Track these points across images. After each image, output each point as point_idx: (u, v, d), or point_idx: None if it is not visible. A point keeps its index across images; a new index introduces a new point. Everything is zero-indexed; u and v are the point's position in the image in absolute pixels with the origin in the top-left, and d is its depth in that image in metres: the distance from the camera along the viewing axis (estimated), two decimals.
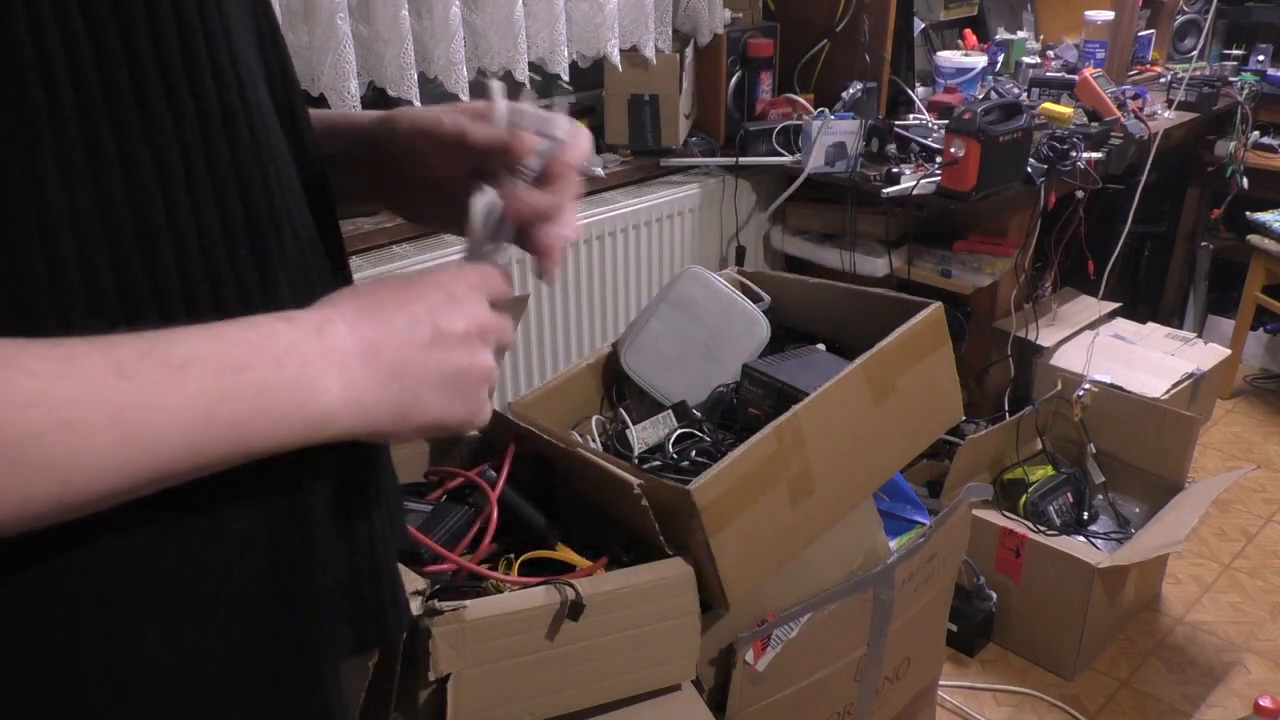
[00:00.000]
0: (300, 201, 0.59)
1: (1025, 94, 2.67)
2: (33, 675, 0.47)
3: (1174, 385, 2.42)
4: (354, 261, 1.95)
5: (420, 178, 0.68)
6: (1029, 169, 2.25)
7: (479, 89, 0.62)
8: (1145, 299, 3.44)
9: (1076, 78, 2.61)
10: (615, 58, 2.26)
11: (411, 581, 1.09)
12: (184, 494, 0.48)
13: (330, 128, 0.71)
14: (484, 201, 0.61)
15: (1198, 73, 2.95)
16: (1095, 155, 2.36)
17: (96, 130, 0.46)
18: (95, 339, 0.44)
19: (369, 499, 0.64)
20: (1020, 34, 3.07)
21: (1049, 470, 2.25)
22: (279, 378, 0.48)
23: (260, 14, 0.60)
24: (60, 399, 0.41)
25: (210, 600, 0.53)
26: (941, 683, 1.88)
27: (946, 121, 2.26)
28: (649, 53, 2.32)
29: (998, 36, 3.01)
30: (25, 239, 0.45)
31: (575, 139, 0.63)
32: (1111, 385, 2.33)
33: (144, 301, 0.49)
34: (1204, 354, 2.62)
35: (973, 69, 2.72)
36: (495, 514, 1.26)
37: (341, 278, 0.66)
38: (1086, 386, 2.28)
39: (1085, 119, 2.53)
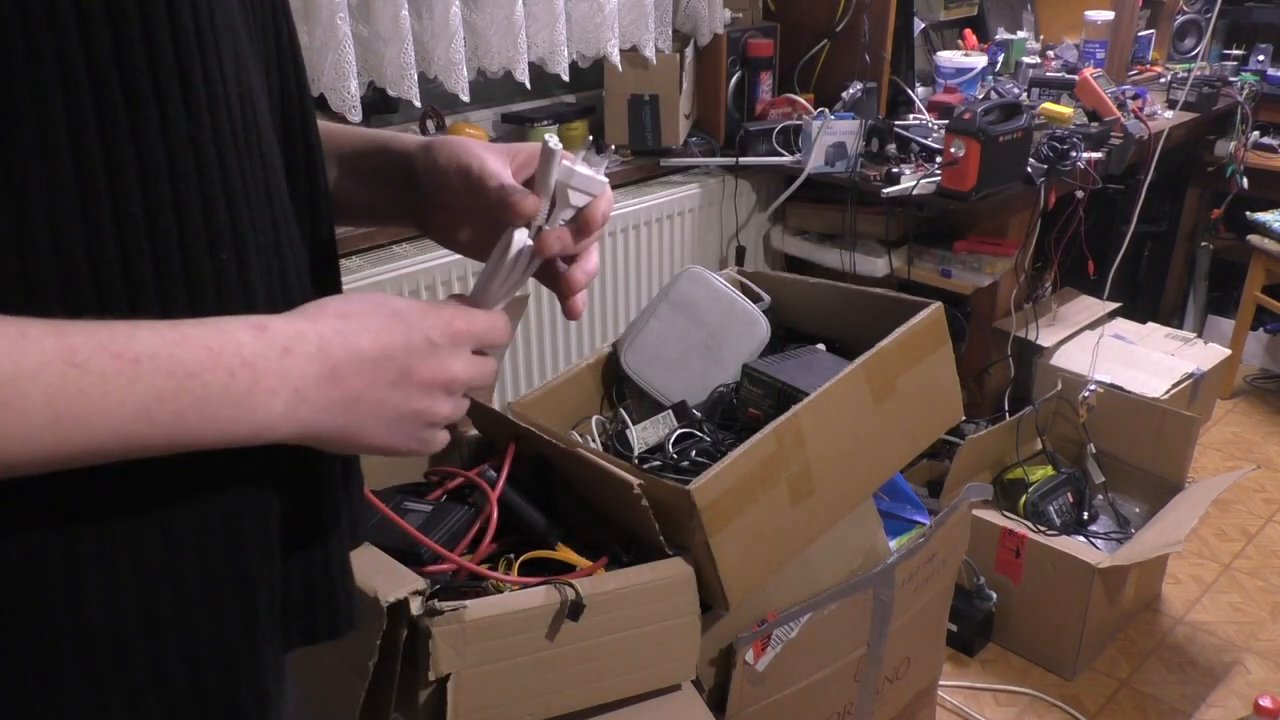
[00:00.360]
0: (287, 212, 0.60)
1: (1025, 94, 2.67)
2: None
3: (1174, 385, 2.42)
4: (355, 260, 1.97)
5: (450, 207, 0.70)
6: (1029, 169, 2.25)
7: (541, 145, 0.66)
8: (1145, 299, 3.44)
9: (1076, 78, 2.60)
10: (615, 58, 2.26)
11: (411, 581, 1.09)
12: (136, 473, 0.50)
13: (377, 146, 0.74)
14: (517, 241, 0.63)
15: (1198, 73, 2.95)
16: (1095, 155, 2.36)
17: (81, 117, 0.47)
18: (55, 322, 0.45)
19: (326, 493, 0.64)
20: (1020, 34, 3.07)
21: (1049, 470, 2.25)
22: (228, 389, 0.49)
23: (278, 32, 0.61)
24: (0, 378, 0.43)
25: (155, 576, 0.53)
26: (941, 683, 1.88)
27: (946, 121, 2.26)
28: (649, 53, 2.32)
29: (998, 36, 3.01)
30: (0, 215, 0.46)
31: (606, 193, 0.66)
32: (1112, 385, 2.33)
33: (116, 289, 0.49)
34: (1204, 354, 2.62)
35: (973, 69, 2.72)
36: (495, 514, 1.26)
37: (328, 284, 0.67)
38: (1092, 388, 2.28)
39: (1085, 119, 2.53)
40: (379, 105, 2.06)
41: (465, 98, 2.01)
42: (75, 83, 0.46)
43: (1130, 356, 2.53)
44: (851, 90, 2.44)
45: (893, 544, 1.55)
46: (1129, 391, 2.32)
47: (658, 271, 2.43)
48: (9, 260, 0.46)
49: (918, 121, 2.54)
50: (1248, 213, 3.02)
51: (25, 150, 0.46)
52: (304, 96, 0.64)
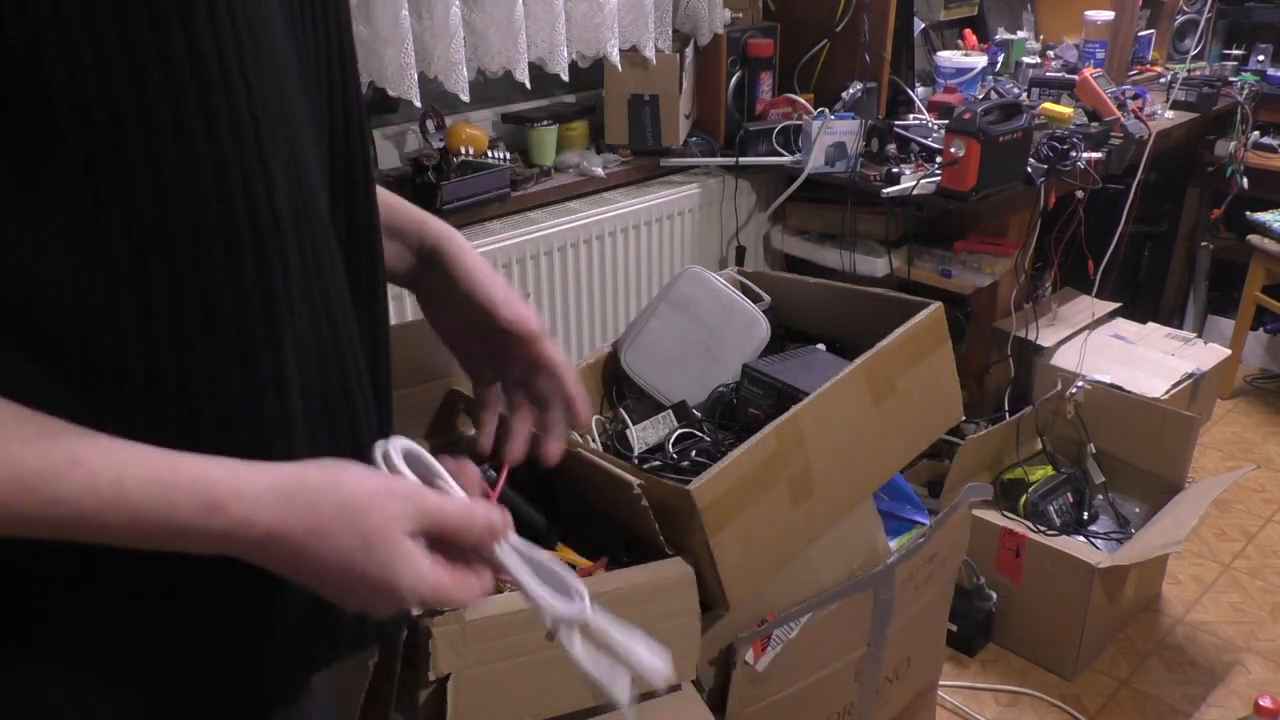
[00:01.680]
0: (327, 230, 0.63)
1: (1025, 94, 2.67)
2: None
3: (1174, 385, 2.42)
4: None
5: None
6: (1029, 169, 2.25)
7: None
8: (1145, 299, 3.44)
9: (1076, 78, 2.60)
10: (615, 58, 2.26)
11: None
12: None
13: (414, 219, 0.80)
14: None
15: (1198, 73, 2.95)
16: (1095, 155, 2.36)
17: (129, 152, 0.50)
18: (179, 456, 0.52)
19: None
20: (1020, 34, 3.07)
21: (1049, 470, 2.25)
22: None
23: (344, 63, 0.65)
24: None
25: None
26: (941, 683, 1.88)
27: (946, 121, 2.26)
28: (649, 53, 2.32)
29: (998, 36, 3.01)
30: (112, 209, 0.50)
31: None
32: (1111, 385, 2.33)
33: (186, 273, 0.53)
34: (1204, 354, 2.62)
35: (973, 69, 2.72)
36: None
37: (376, 304, 0.70)
38: (1080, 384, 2.28)
39: (1085, 119, 2.53)
40: (379, 105, 2.06)
41: (465, 98, 2.01)
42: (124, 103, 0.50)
43: (1130, 356, 2.53)
44: (851, 90, 2.44)
45: (893, 544, 1.55)
46: (1129, 391, 2.32)
47: (658, 271, 2.43)
48: (89, 242, 0.50)
49: (918, 121, 2.54)
50: (1248, 213, 3.02)
51: (131, 142, 0.50)
52: (363, 122, 0.66)
